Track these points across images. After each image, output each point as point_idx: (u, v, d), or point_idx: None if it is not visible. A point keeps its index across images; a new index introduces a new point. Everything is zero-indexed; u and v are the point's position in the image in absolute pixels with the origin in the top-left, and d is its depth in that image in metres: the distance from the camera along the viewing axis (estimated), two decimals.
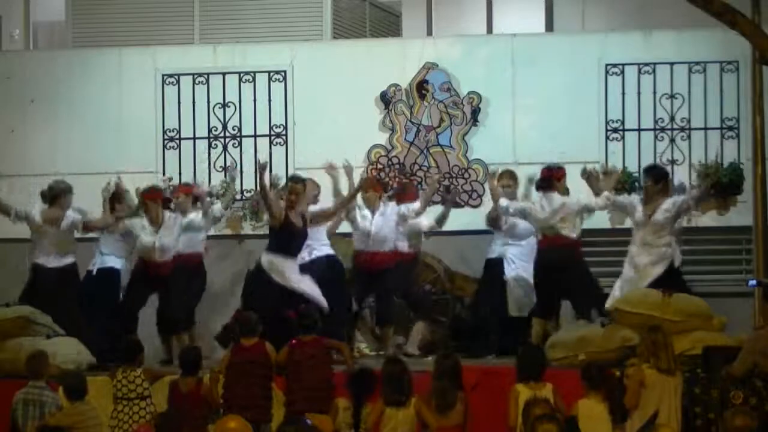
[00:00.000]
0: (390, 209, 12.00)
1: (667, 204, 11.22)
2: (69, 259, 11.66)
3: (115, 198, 11.94)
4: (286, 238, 11.24)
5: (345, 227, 12.32)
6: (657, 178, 11.38)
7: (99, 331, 11.44)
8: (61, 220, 11.58)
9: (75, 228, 11.72)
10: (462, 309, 12.70)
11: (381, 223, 11.89)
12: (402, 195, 12.32)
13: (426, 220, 12.15)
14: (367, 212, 11.97)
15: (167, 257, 11.85)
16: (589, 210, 11.67)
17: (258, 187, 11.99)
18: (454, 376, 9.20)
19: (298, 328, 10.17)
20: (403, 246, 12.03)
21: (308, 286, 11.18)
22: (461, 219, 13.07)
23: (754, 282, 11.25)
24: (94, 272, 11.97)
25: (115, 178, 12.17)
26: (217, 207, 12.35)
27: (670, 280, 11.00)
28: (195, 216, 12.06)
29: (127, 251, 12.07)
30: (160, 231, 11.84)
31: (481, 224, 12.63)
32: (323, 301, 11.10)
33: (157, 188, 12.21)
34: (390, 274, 11.88)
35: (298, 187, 11.40)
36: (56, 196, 11.65)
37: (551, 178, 11.58)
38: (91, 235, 12.10)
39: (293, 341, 10.06)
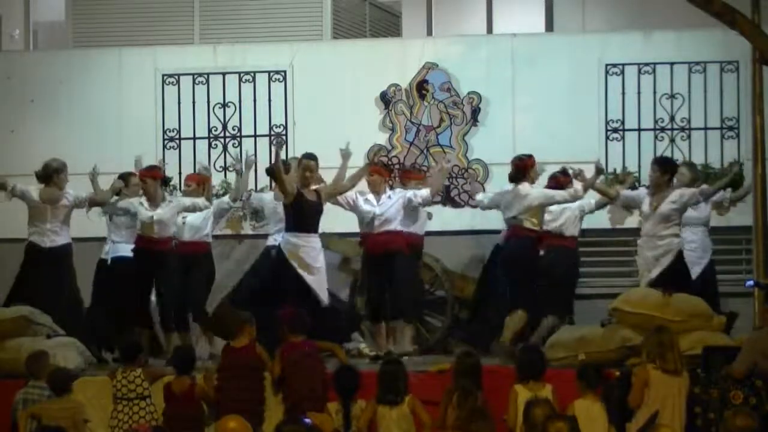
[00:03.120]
0: (397, 193, 11.91)
1: (674, 196, 11.16)
2: (64, 240, 11.65)
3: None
4: (300, 215, 11.16)
5: (344, 227, 12.31)
6: (664, 169, 11.30)
7: (108, 321, 11.56)
8: (59, 199, 11.61)
9: (79, 204, 11.71)
10: (461, 309, 12.69)
11: (389, 204, 11.80)
12: (408, 174, 12.39)
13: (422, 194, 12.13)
14: (370, 196, 11.84)
15: (165, 233, 11.69)
16: (551, 201, 11.52)
17: (269, 172, 11.85)
18: (475, 376, 9.20)
19: (288, 330, 10.12)
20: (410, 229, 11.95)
21: (316, 278, 11.13)
22: (461, 219, 13.09)
23: (751, 282, 11.25)
24: (108, 262, 12.00)
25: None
26: (225, 199, 12.36)
27: (676, 273, 11.01)
28: (200, 199, 11.99)
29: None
30: (159, 207, 11.72)
31: (481, 224, 12.63)
32: (322, 296, 11.11)
33: (156, 166, 12.10)
34: (401, 258, 11.71)
35: (311, 163, 11.32)
36: (50, 174, 11.65)
37: (524, 168, 11.52)
38: (91, 234, 12.14)
39: (284, 346, 10.04)
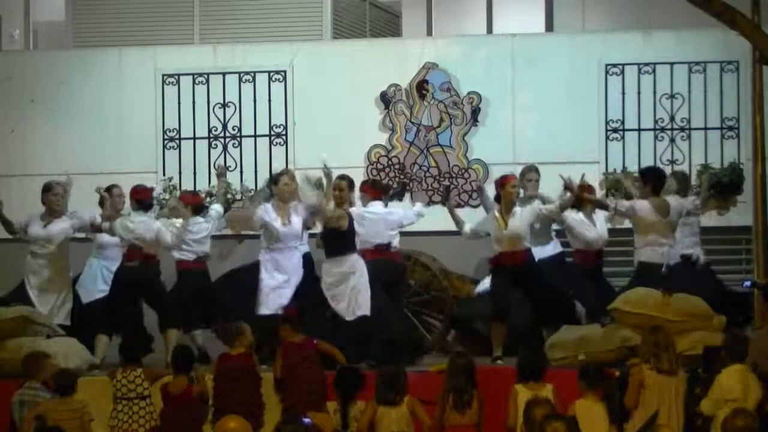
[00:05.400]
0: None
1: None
2: None
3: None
4: (337, 240, 11.16)
5: None
6: (645, 179, 11.36)
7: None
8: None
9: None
10: (458, 309, 12.68)
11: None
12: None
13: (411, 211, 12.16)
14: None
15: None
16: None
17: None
18: (468, 375, 9.21)
19: (292, 329, 10.12)
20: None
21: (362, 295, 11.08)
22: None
23: (748, 282, 11.26)
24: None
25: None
26: (216, 207, 12.34)
27: (671, 278, 11.00)
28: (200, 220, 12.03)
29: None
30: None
31: None
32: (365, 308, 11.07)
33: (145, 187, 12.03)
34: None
35: (341, 183, 11.29)
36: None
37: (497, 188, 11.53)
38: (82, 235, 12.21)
39: (283, 346, 10.05)
